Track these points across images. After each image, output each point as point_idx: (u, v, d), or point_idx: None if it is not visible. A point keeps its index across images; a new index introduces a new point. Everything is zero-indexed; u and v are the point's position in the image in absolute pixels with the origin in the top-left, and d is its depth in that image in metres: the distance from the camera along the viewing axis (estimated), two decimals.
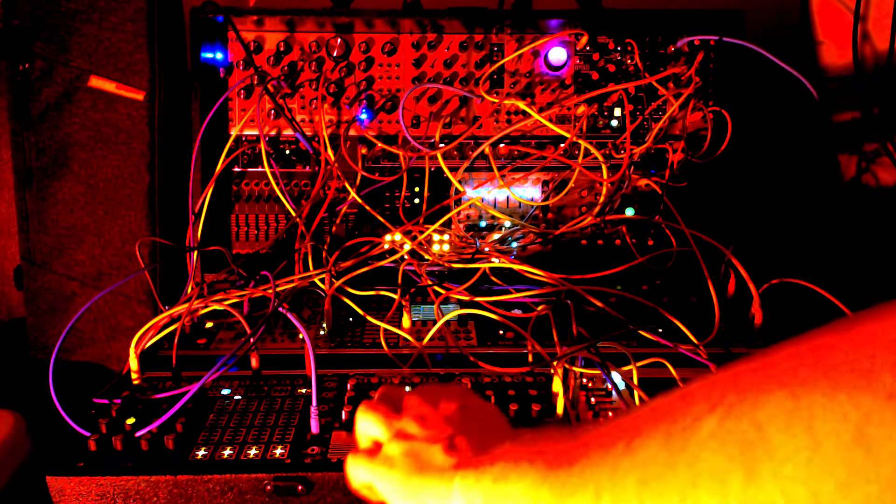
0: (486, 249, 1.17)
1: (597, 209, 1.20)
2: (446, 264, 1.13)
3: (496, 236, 1.22)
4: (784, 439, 0.27)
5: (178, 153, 1.18)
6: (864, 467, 0.25)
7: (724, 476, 0.29)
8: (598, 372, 0.84)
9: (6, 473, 0.91)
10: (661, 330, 0.95)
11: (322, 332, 1.00)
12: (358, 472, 0.55)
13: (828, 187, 1.29)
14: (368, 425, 0.57)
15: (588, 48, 1.21)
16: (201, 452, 0.73)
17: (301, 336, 0.97)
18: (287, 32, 1.18)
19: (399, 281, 1.08)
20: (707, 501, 0.30)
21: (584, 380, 0.86)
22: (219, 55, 1.18)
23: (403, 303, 1.00)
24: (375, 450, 0.55)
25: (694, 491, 0.30)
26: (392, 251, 1.12)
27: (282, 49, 1.18)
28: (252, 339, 0.88)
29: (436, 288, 1.06)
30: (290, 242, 1.18)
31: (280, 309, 0.93)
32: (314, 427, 0.76)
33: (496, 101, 1.19)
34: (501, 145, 1.22)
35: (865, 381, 0.26)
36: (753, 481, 0.28)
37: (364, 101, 1.20)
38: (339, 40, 1.17)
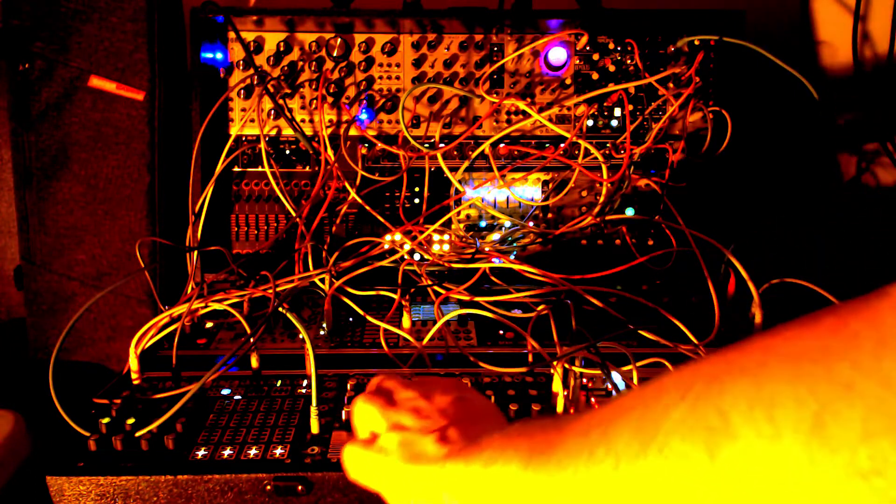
0: (486, 249, 1.17)
1: (597, 209, 1.20)
2: (446, 264, 1.13)
3: (496, 236, 1.22)
4: (745, 426, 0.28)
5: (178, 153, 1.18)
6: (821, 455, 0.26)
7: (691, 459, 0.30)
8: (598, 372, 0.83)
9: (6, 473, 0.91)
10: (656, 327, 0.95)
11: (322, 332, 1.00)
12: (354, 462, 0.57)
13: (828, 187, 1.29)
14: (366, 416, 0.59)
15: (588, 48, 1.21)
16: (201, 452, 0.73)
17: (301, 336, 0.97)
18: (287, 32, 1.18)
19: (399, 281, 1.08)
20: (675, 482, 0.31)
21: (584, 380, 0.86)
22: (219, 55, 1.18)
23: (403, 303, 1.00)
24: (372, 440, 0.57)
25: (663, 473, 0.32)
26: (392, 251, 1.12)
27: (282, 49, 1.18)
28: (252, 339, 0.88)
29: (436, 288, 1.06)
30: (290, 242, 1.18)
31: (280, 309, 0.93)
32: (314, 427, 0.76)
33: (496, 101, 1.19)
34: (501, 145, 1.22)
35: (825, 371, 0.27)
36: (717, 464, 0.29)
37: (364, 101, 1.20)
38: (339, 40, 1.17)
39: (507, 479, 0.42)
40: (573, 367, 0.82)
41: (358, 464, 0.57)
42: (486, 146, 1.19)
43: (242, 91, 1.18)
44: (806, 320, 0.30)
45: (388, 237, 1.13)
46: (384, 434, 0.55)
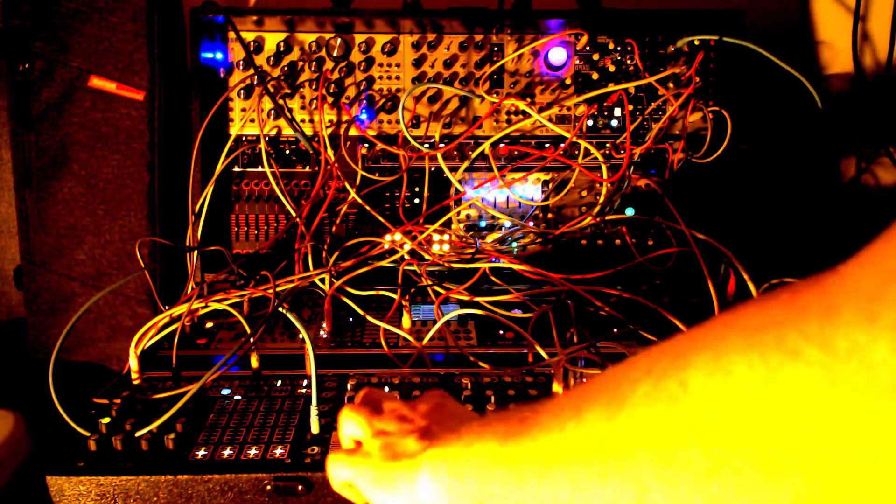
0: (486, 249, 1.17)
1: (597, 209, 1.20)
2: (446, 264, 1.13)
3: (496, 236, 1.22)
4: (704, 397, 0.31)
5: (178, 153, 1.18)
6: (769, 415, 0.29)
7: (654, 431, 0.33)
8: (598, 372, 0.84)
9: (6, 473, 0.91)
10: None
11: (322, 332, 1.00)
12: (337, 469, 0.58)
13: (828, 187, 1.29)
14: (350, 426, 0.61)
15: (588, 48, 1.21)
16: (201, 452, 0.73)
17: (301, 336, 0.97)
18: (287, 32, 1.18)
19: (399, 281, 1.08)
20: (638, 454, 0.33)
21: (584, 380, 0.86)
22: (219, 55, 1.18)
23: (403, 303, 1.00)
24: (356, 449, 0.58)
25: (628, 445, 0.34)
26: (392, 251, 1.12)
27: (282, 49, 1.18)
28: (252, 339, 0.88)
29: (436, 288, 1.06)
30: (290, 242, 1.18)
31: (280, 309, 0.93)
32: (314, 427, 0.76)
33: (496, 101, 1.19)
34: (501, 145, 1.22)
35: (776, 340, 0.29)
36: (678, 435, 0.32)
37: (364, 101, 1.20)
38: (339, 40, 1.17)
39: (484, 455, 0.44)
40: (573, 368, 0.82)
41: (342, 471, 0.58)
42: (486, 146, 1.20)
43: (242, 91, 1.18)
44: (764, 297, 0.33)
45: (388, 237, 1.13)
46: (367, 440, 0.57)
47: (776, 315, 0.30)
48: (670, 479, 0.32)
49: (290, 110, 1.20)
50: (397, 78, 1.21)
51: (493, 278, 1.13)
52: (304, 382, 0.87)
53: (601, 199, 1.20)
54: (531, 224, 1.23)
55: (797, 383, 0.28)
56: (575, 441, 0.37)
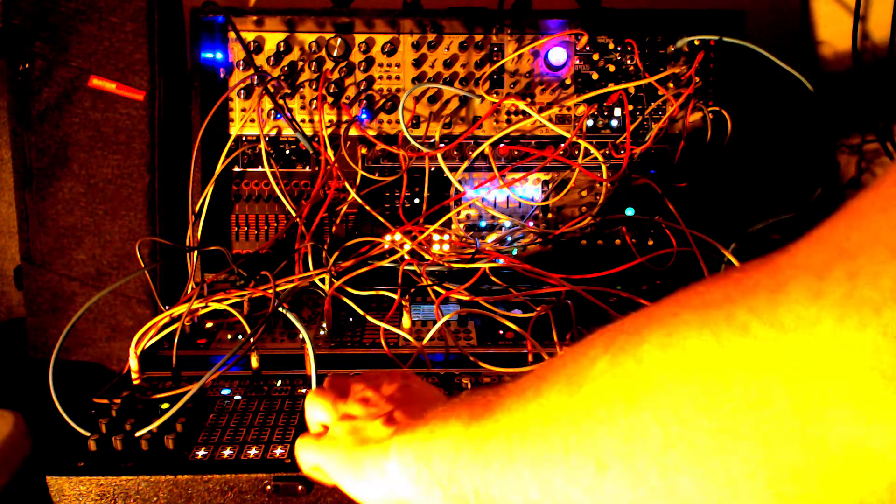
0: (486, 249, 1.17)
1: (597, 209, 1.20)
2: (446, 264, 1.13)
3: (496, 236, 1.22)
4: (658, 372, 0.32)
5: (178, 153, 1.18)
6: (720, 387, 0.29)
7: (612, 406, 0.33)
8: None
9: (6, 473, 0.91)
10: None
11: (322, 332, 1.00)
12: (305, 454, 0.59)
13: (827, 187, 1.29)
14: (316, 411, 0.61)
15: (588, 48, 1.21)
16: (201, 452, 0.73)
17: (301, 336, 0.97)
18: (287, 32, 1.18)
19: (399, 281, 1.08)
20: (597, 429, 0.34)
21: None
22: (219, 55, 1.18)
23: (403, 303, 1.00)
24: (323, 433, 0.59)
25: (588, 421, 0.34)
26: (392, 251, 1.12)
27: (282, 49, 1.18)
28: (252, 339, 0.88)
29: (436, 288, 1.06)
30: (290, 242, 1.18)
31: (280, 309, 0.93)
32: None
33: (496, 101, 1.19)
34: (501, 145, 1.22)
35: (726, 317, 0.30)
36: (634, 409, 0.32)
37: (364, 101, 1.20)
38: (339, 40, 1.17)
39: (449, 439, 0.44)
40: None
41: (310, 455, 0.58)
42: (486, 146, 1.20)
43: (242, 91, 1.18)
44: (716, 276, 0.33)
45: (388, 237, 1.13)
46: (333, 424, 0.58)
47: (727, 292, 0.31)
48: (628, 452, 0.32)
49: (290, 110, 1.20)
50: (397, 78, 1.21)
51: (493, 278, 1.13)
52: (304, 382, 0.87)
53: (601, 199, 1.20)
54: (531, 224, 1.23)
55: (746, 357, 0.28)
56: (536, 419, 0.38)
